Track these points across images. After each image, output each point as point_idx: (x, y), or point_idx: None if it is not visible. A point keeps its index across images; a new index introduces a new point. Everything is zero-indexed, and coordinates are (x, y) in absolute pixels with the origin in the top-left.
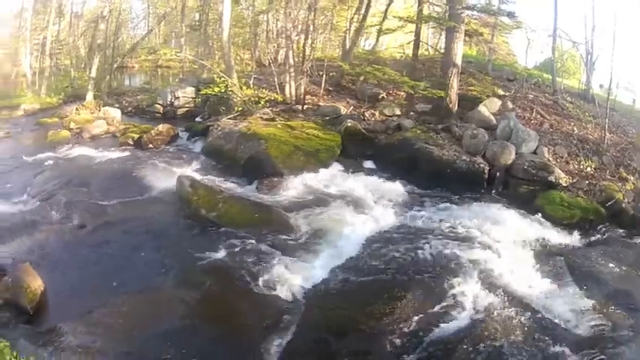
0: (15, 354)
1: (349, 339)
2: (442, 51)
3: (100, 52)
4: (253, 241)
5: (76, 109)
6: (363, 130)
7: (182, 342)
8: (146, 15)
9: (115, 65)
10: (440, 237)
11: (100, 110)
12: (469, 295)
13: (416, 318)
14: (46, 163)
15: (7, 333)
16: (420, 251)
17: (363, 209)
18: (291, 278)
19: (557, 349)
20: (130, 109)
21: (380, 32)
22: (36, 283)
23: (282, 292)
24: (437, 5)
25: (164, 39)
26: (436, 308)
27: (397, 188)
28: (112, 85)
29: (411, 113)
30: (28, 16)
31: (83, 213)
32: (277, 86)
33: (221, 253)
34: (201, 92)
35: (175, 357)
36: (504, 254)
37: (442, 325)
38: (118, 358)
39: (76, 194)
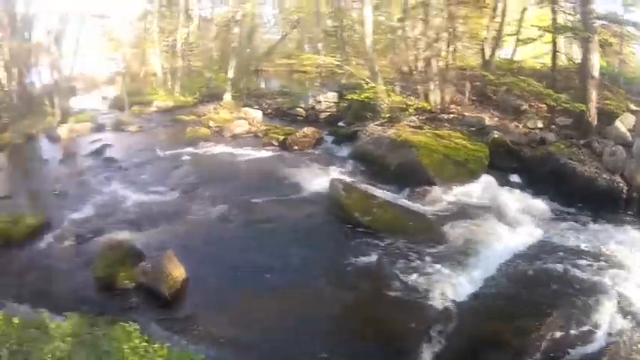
0: (145, 337)
1: (498, 353)
2: (577, 61)
3: (237, 55)
4: (406, 248)
5: (214, 108)
6: (509, 143)
7: (328, 343)
8: (277, 20)
9: (252, 68)
10: (581, 257)
11: (240, 111)
12: (606, 318)
13: (558, 337)
14: (184, 158)
15: (138, 317)
16: (561, 269)
17: (509, 223)
18: (442, 288)
19: None
20: (270, 111)
21: (518, 41)
22: (178, 271)
23: (434, 301)
24: (569, 14)
25: (297, 44)
26: (575, 330)
27: (541, 204)
28: (249, 87)
29: (552, 126)
30: (153, 19)
31: (228, 208)
32: (422, 94)
33: (373, 258)
34: (347, 97)
35: (319, 355)
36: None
37: (580, 346)
38: (261, 352)
39: (221, 189)
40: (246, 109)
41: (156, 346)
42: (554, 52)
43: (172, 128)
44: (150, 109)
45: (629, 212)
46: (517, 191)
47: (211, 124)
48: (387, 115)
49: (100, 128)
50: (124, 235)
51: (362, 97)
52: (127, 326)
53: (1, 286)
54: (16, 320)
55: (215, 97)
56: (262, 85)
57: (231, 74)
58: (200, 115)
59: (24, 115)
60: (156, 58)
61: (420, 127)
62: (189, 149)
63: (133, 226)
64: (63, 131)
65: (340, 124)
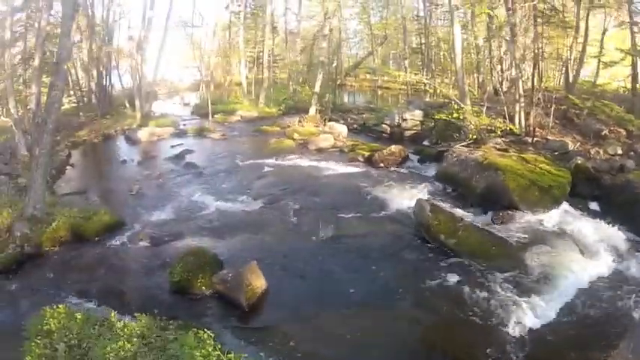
0: (219, 346)
1: None
2: None
3: (324, 69)
4: (487, 273)
5: (299, 121)
6: (592, 169)
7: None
8: (363, 36)
9: (338, 82)
10: None
11: (325, 124)
12: None
13: None
14: (268, 169)
15: (212, 324)
16: (634, 303)
17: (587, 252)
18: (520, 316)
19: None
20: (355, 126)
21: (600, 63)
22: (258, 282)
23: (510, 329)
24: None
25: (382, 60)
26: None
27: (618, 233)
28: (335, 101)
29: (632, 153)
30: (238, 30)
31: (313, 221)
32: (506, 116)
33: (456, 281)
34: (434, 117)
35: None
36: None
37: None
38: None
39: (305, 202)
40: (332, 123)
41: (231, 355)
42: (635, 76)
43: (256, 138)
44: (233, 118)
45: None
46: (596, 220)
47: (296, 136)
48: (474, 137)
49: (181, 133)
50: (204, 242)
51: (452, 117)
52: (200, 333)
53: (69, 282)
54: (79, 315)
55: (299, 109)
56: (347, 100)
57: (317, 88)
58: (284, 126)
59: (102, 115)
60: (241, 68)
61: (506, 150)
62: (273, 160)
63: (214, 233)
64: (143, 134)
65: (425, 142)
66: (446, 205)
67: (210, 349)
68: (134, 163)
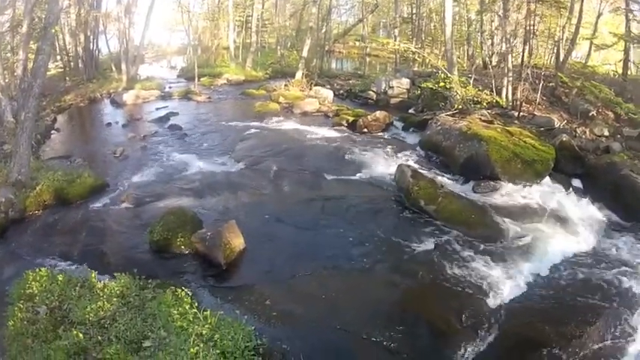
0: (195, 304)
1: (539, 354)
2: None
3: (312, 34)
4: (467, 241)
5: (285, 85)
6: (576, 148)
7: (382, 325)
8: (354, 3)
9: (326, 48)
10: (632, 271)
11: (311, 89)
12: None
13: (600, 346)
14: (252, 131)
15: (191, 283)
16: (611, 281)
17: (567, 228)
18: (496, 285)
19: None
20: (341, 92)
21: (592, 46)
22: (237, 241)
23: (487, 297)
24: None
25: (372, 28)
26: (618, 341)
27: (599, 213)
28: (322, 66)
29: (618, 136)
30: None
31: (294, 184)
32: (494, 89)
33: (434, 247)
34: (420, 85)
35: (374, 338)
36: None
37: (622, 358)
38: (316, 327)
39: (287, 164)
40: (318, 88)
41: (207, 313)
42: (626, 61)
43: (241, 101)
44: (220, 82)
45: None
46: (578, 197)
47: (281, 100)
48: (459, 107)
49: (166, 96)
50: (185, 202)
51: (436, 85)
52: (178, 291)
53: (52, 245)
54: (60, 278)
55: (286, 74)
56: (335, 66)
57: (305, 53)
58: (270, 90)
59: (89, 79)
60: (229, 32)
61: (491, 122)
62: (257, 123)
63: (195, 193)
64: (129, 97)
65: (411, 110)
66: (428, 172)
67: (187, 307)
68: (119, 126)
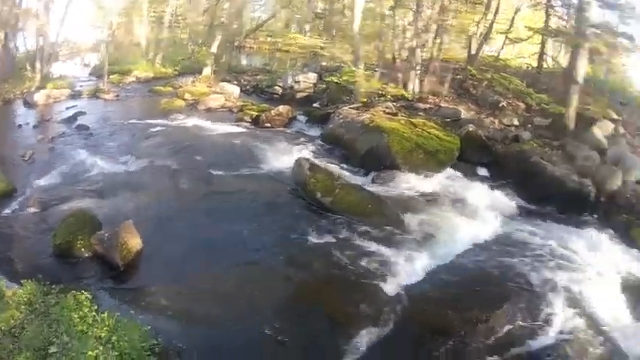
0: (94, 307)
1: (443, 340)
2: (563, 65)
3: (223, 29)
4: (364, 231)
5: (192, 81)
6: (483, 137)
7: (279, 318)
8: None
9: (236, 44)
10: (538, 254)
11: (217, 85)
12: (557, 315)
13: (507, 330)
14: (156, 129)
15: (91, 286)
16: (518, 265)
17: (472, 215)
18: (395, 273)
19: None
20: (248, 87)
21: (506, 40)
22: (134, 241)
23: (385, 286)
24: (562, 19)
25: (285, 23)
26: (526, 323)
27: (507, 199)
28: (231, 62)
29: (529, 126)
30: None
31: (194, 181)
32: (400, 82)
33: (331, 239)
34: (326, 79)
35: (271, 331)
36: (595, 281)
37: (529, 340)
38: (212, 324)
39: (188, 162)
40: (224, 84)
41: (104, 315)
42: (541, 54)
43: (148, 98)
44: (129, 79)
45: (594, 216)
46: (484, 185)
47: (187, 96)
48: (363, 100)
49: (76, 95)
50: (86, 204)
51: (340, 79)
52: (78, 295)
53: None
54: None
55: (196, 70)
56: (245, 62)
57: (214, 48)
58: (177, 87)
59: (4, 79)
60: (142, 27)
61: (395, 114)
62: (162, 120)
63: (97, 194)
64: (40, 97)
65: (315, 105)
66: (328, 165)
67: (86, 311)
68: (29, 128)
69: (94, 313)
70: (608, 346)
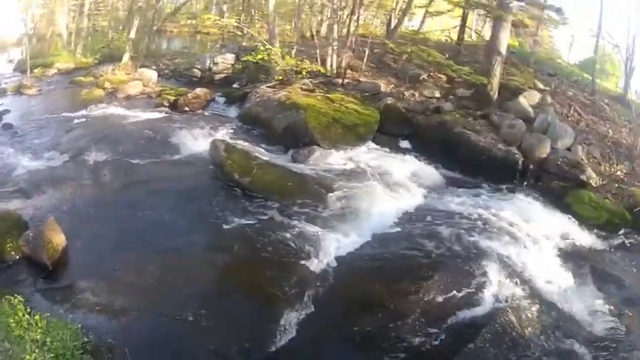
0: (28, 310)
1: (373, 315)
2: (486, 38)
3: (141, 14)
4: (285, 210)
5: (112, 69)
6: (402, 109)
7: (205, 305)
8: None
9: (155, 28)
10: (469, 223)
11: (136, 71)
12: (492, 283)
13: (440, 300)
14: (77, 121)
15: (23, 289)
16: (447, 235)
17: (396, 188)
18: (320, 250)
19: (571, 346)
20: (167, 71)
21: (427, 13)
22: (58, 239)
23: (310, 263)
24: None
25: (205, 5)
26: (460, 293)
27: (431, 170)
28: (150, 47)
29: (451, 97)
30: None
31: (113, 171)
32: (319, 58)
33: (251, 220)
34: (242, 59)
35: (197, 320)
36: (530, 247)
37: (464, 310)
38: (139, 317)
39: (108, 152)
40: (143, 69)
41: (37, 317)
42: (463, 27)
43: (69, 90)
44: (51, 72)
45: (523, 183)
46: (406, 157)
47: (107, 85)
48: (280, 78)
49: (2, 93)
50: (13, 205)
51: (256, 58)
52: (12, 299)
53: None
54: None
55: (116, 57)
56: (165, 46)
57: (132, 34)
58: (98, 76)
59: None
60: (63, 18)
61: (312, 91)
62: (83, 112)
63: (22, 194)
64: None
65: (235, 85)
66: (245, 145)
67: (21, 315)
68: None
69: (27, 317)
70: (547, 311)
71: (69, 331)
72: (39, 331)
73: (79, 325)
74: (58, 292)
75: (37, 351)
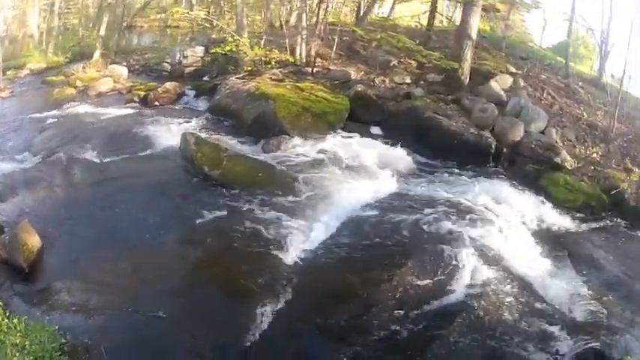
0: (7, 314)
1: (346, 303)
2: (457, 24)
3: (110, 10)
4: (256, 201)
5: (83, 67)
6: (372, 96)
7: (179, 300)
8: None
9: (125, 24)
10: (442, 208)
11: (106, 68)
12: (467, 268)
13: (414, 287)
14: (49, 121)
15: (1, 292)
16: (421, 221)
17: (367, 175)
18: (291, 240)
19: (550, 330)
20: (137, 67)
21: (396, 0)
22: (33, 241)
23: (282, 254)
24: None
25: None
26: (434, 279)
27: (403, 156)
28: (120, 43)
29: (422, 82)
30: None
31: (85, 170)
32: (288, 48)
33: (222, 212)
34: (211, 51)
35: (171, 315)
36: (505, 231)
37: (439, 296)
38: (115, 315)
39: (79, 151)
40: (113, 66)
41: (15, 321)
42: (433, 12)
43: (42, 90)
44: (23, 73)
45: (497, 166)
46: (378, 143)
47: (78, 83)
48: (249, 69)
49: None
50: None
51: (225, 50)
52: None
53: None
54: None
55: (87, 55)
56: (135, 42)
57: (102, 31)
58: (69, 75)
59: None
60: (34, 18)
61: (282, 80)
62: (55, 112)
63: None
64: None
65: (205, 78)
66: (215, 138)
67: (0, 319)
68: None
69: (7, 320)
70: (525, 296)
71: (47, 333)
72: (18, 334)
73: (57, 327)
74: (35, 294)
75: (17, 355)
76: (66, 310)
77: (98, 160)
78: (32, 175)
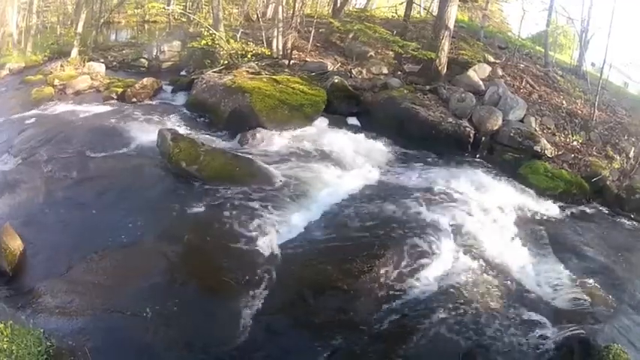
0: None
1: (326, 296)
2: (435, 14)
3: (87, 7)
4: (234, 195)
5: (61, 65)
6: (350, 87)
7: (160, 298)
8: None
9: (102, 21)
10: (422, 198)
11: (84, 66)
12: (448, 257)
13: (394, 277)
14: (28, 122)
15: None
16: (400, 211)
17: (345, 166)
18: (270, 233)
19: (532, 318)
20: (115, 63)
21: None
22: (15, 244)
23: (261, 247)
24: None
25: None
26: (414, 269)
27: (380, 146)
28: (97, 40)
29: (399, 73)
30: None
31: (65, 170)
32: (264, 41)
33: (201, 207)
34: (188, 46)
35: (153, 313)
36: (486, 220)
37: (419, 286)
38: (97, 315)
39: (58, 151)
40: (91, 63)
41: (1, 326)
42: (410, 3)
43: (21, 90)
44: (2, 73)
45: (476, 155)
46: (355, 135)
47: (56, 82)
48: (225, 62)
49: None
50: None
51: (201, 44)
52: None
53: None
54: None
55: (66, 53)
56: (113, 38)
57: (80, 28)
58: (47, 73)
59: None
60: (13, 17)
61: (258, 73)
62: (34, 111)
63: None
64: None
65: (182, 73)
66: (193, 133)
67: None
68: None
69: None
70: (507, 284)
71: (32, 337)
72: (5, 339)
73: (42, 330)
74: (20, 298)
75: None
76: (50, 312)
77: (77, 160)
78: (12, 177)
